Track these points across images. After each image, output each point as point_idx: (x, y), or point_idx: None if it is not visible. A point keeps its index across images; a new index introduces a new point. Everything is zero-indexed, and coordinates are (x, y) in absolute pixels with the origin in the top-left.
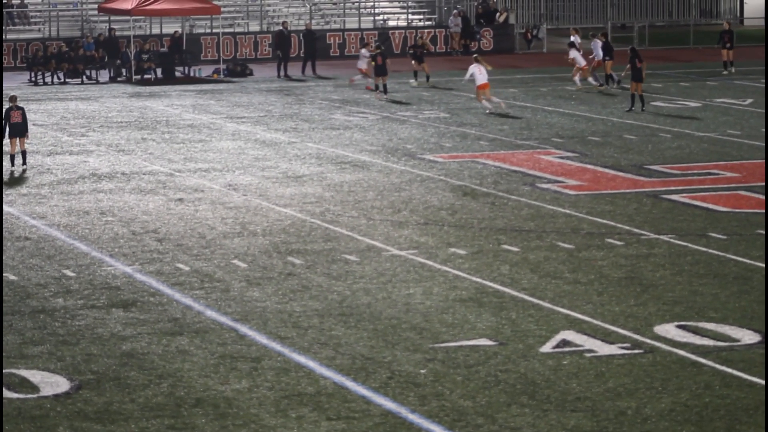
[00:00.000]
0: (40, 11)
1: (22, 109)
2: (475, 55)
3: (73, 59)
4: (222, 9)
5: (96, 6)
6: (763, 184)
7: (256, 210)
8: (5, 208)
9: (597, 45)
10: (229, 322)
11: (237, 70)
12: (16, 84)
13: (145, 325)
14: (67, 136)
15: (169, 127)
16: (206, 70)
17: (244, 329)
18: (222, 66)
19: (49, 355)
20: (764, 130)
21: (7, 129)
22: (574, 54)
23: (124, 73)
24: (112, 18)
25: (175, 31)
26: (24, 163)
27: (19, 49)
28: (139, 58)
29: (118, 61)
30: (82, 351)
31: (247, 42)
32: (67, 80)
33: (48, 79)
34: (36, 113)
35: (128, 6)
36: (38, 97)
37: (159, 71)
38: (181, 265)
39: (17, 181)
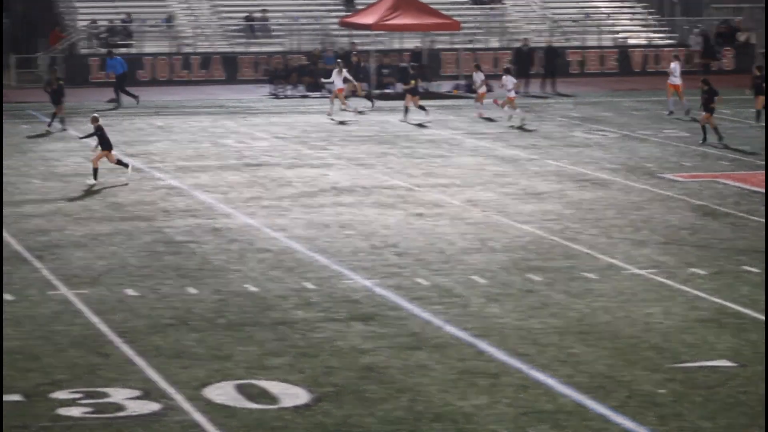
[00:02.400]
0: (281, 24)
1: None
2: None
3: (314, 73)
4: (462, 25)
5: (337, 20)
6: None
7: (496, 226)
8: (246, 219)
9: None
10: (468, 338)
11: None
12: (257, 96)
13: (385, 339)
14: (307, 149)
15: (409, 142)
16: (446, 86)
17: (483, 345)
18: (462, 82)
19: (289, 367)
20: None
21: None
22: None
23: (365, 88)
24: (353, 32)
25: (416, 47)
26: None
27: (261, 62)
28: (380, 73)
29: (360, 76)
30: (321, 363)
31: (487, 58)
32: (307, 93)
33: (289, 92)
34: (277, 126)
35: (369, 21)
36: (279, 110)
37: (399, 86)
38: (420, 280)
39: (260, 193)
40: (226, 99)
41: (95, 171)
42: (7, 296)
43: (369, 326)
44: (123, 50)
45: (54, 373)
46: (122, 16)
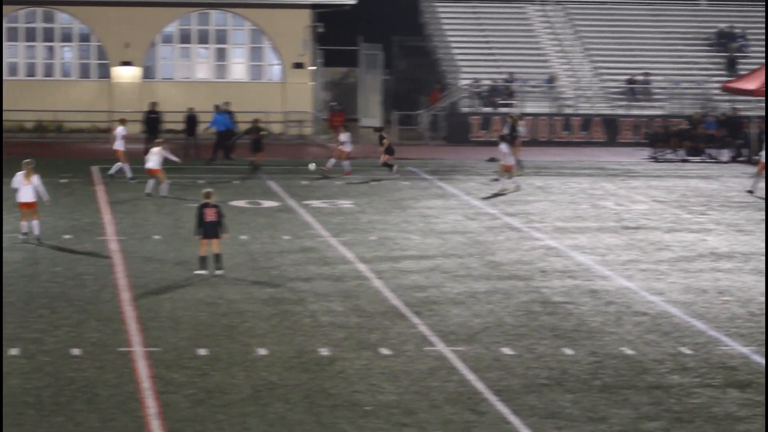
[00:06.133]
0: (663, 88)
1: (217, 207)
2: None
3: (695, 137)
4: None
5: (719, 85)
6: None
7: None
8: (624, 282)
9: None
10: None
11: None
12: (636, 159)
13: (761, 407)
14: (686, 214)
15: None
16: None
17: None
18: None
19: None
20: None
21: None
22: None
23: (745, 154)
24: (736, 98)
25: None
26: (219, 268)
27: (641, 125)
28: (761, 139)
29: (740, 141)
30: (697, 429)
31: None
32: (687, 158)
33: (669, 156)
34: (656, 189)
35: (752, 86)
36: (658, 174)
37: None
38: None
39: (637, 256)
40: (605, 161)
41: None
42: (384, 350)
43: (745, 393)
44: (503, 109)
45: (428, 428)
46: (504, 76)
